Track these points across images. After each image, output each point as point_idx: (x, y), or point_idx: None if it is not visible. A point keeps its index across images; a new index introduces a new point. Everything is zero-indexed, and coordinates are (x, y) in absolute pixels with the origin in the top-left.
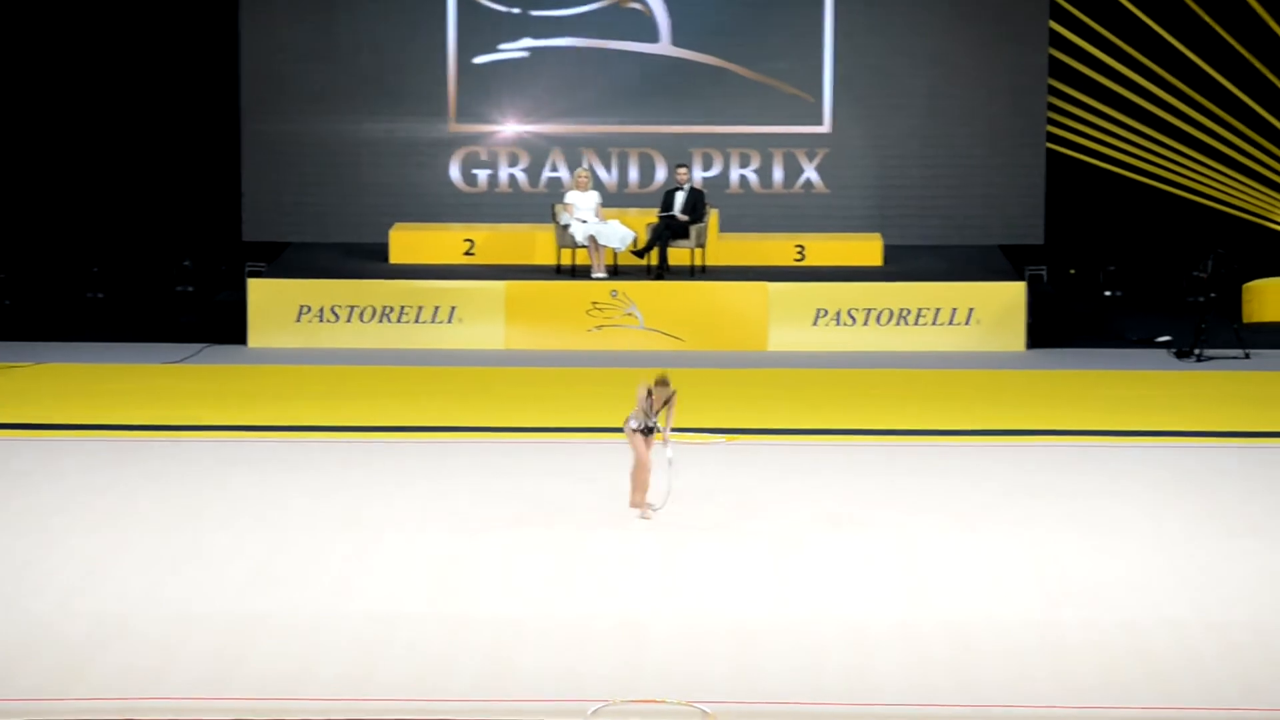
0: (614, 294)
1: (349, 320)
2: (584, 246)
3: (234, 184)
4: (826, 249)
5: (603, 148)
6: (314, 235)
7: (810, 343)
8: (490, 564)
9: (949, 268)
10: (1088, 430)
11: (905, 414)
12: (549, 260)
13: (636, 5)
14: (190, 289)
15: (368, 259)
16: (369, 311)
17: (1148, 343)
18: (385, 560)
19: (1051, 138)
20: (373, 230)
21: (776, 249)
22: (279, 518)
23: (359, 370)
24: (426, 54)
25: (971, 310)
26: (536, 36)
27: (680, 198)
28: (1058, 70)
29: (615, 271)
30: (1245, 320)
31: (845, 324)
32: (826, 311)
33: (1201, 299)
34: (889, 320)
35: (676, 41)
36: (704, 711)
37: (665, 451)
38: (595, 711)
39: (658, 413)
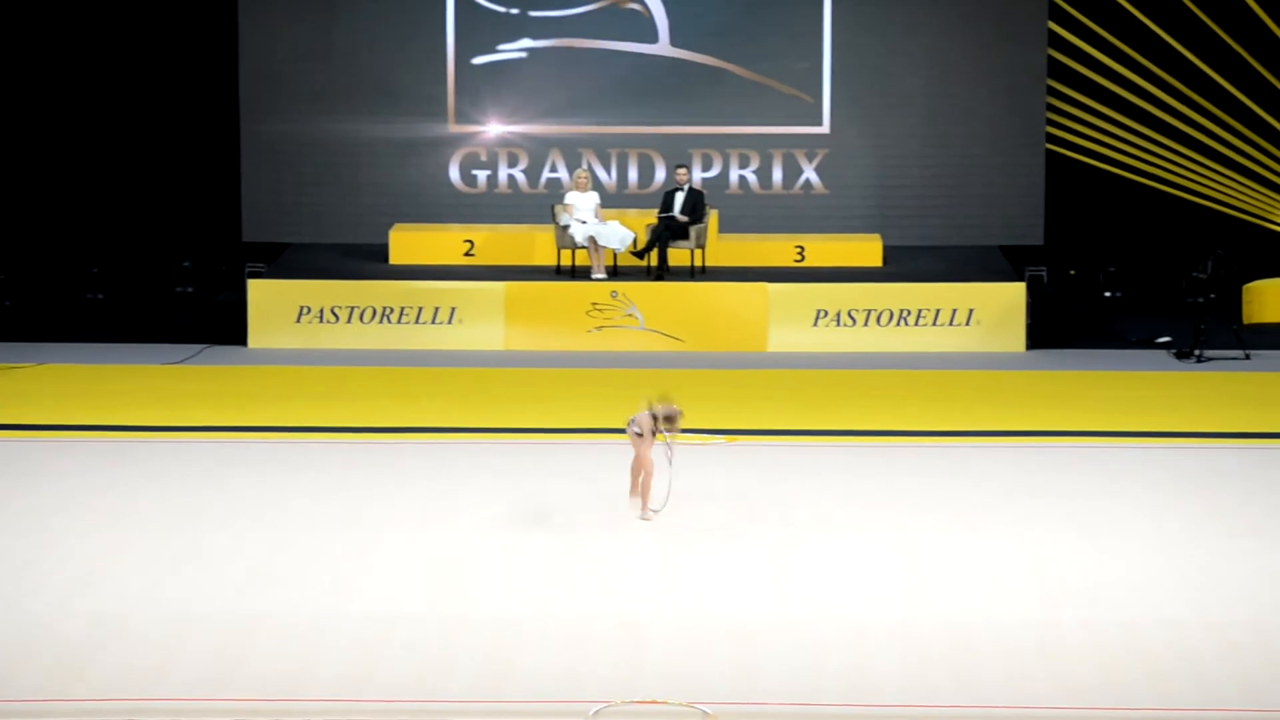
0: (614, 295)
1: (349, 321)
2: (584, 247)
3: (233, 184)
4: (826, 250)
5: (602, 148)
6: (314, 236)
7: (810, 343)
8: (490, 564)
9: (948, 268)
10: (1087, 431)
11: (905, 415)
12: (549, 261)
13: (635, 6)
14: (190, 290)
15: (367, 260)
16: (369, 312)
17: (1147, 343)
18: (385, 560)
19: (1051, 138)
20: (372, 231)
21: (776, 250)
22: (279, 518)
23: (359, 371)
24: (425, 54)
25: (971, 311)
26: (535, 37)
27: (680, 198)
28: (1057, 71)
29: (615, 272)
30: (1245, 321)
31: (845, 325)
32: (826, 312)
33: (1201, 300)
34: (889, 321)
35: (675, 42)
36: (704, 712)
37: (665, 452)
38: (596, 712)
39: (655, 432)
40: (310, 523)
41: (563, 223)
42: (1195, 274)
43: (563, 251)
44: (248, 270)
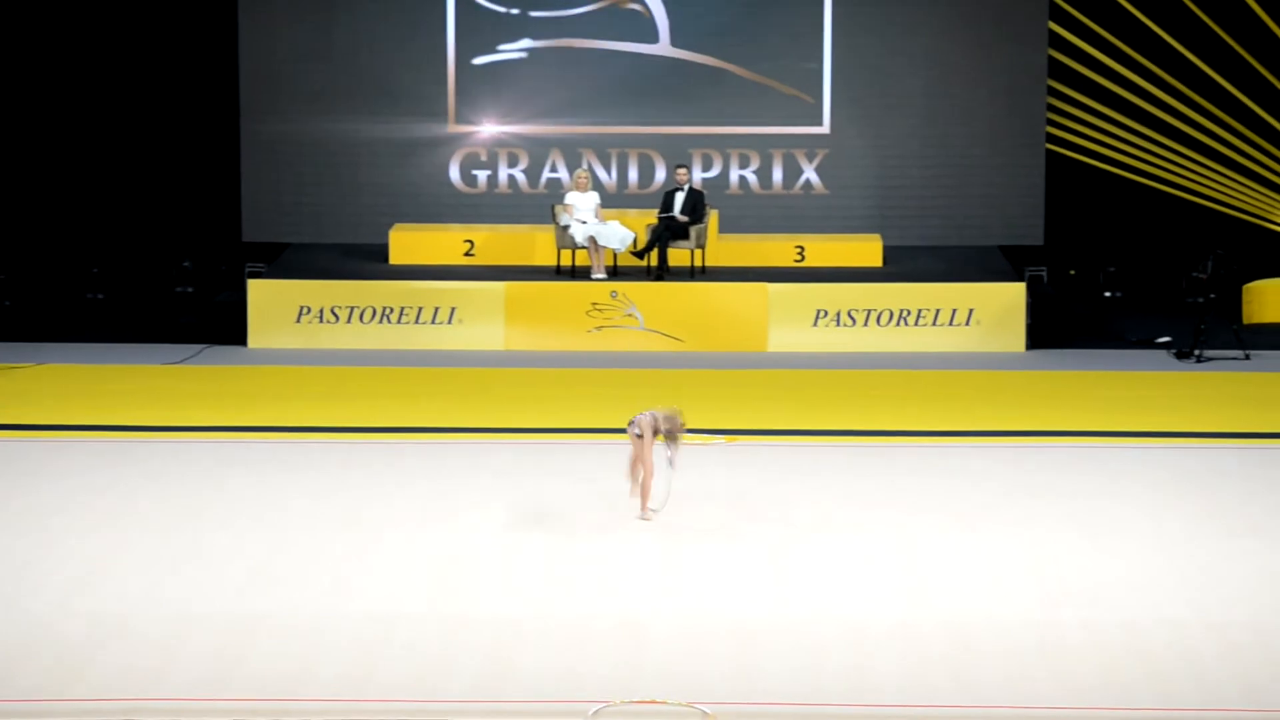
0: (614, 295)
1: (349, 321)
2: (584, 247)
3: (233, 184)
4: (826, 250)
5: (602, 148)
6: (313, 236)
7: (810, 343)
8: (490, 564)
9: (948, 268)
10: (1087, 431)
11: (905, 415)
12: (549, 261)
13: (635, 6)
14: (190, 290)
15: (367, 260)
16: (369, 312)
17: (1147, 343)
18: (385, 560)
19: (1051, 138)
20: (372, 231)
21: (776, 250)
22: (279, 518)
23: (359, 371)
24: (426, 54)
25: (971, 311)
26: (536, 37)
27: (680, 198)
28: (1057, 71)
29: (615, 272)
30: (1245, 321)
31: (845, 325)
32: (826, 312)
33: (1201, 300)
34: (889, 321)
35: (676, 42)
36: (704, 712)
37: (665, 452)
38: (596, 712)
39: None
40: (310, 523)
41: (563, 223)
42: (1195, 274)
43: (563, 251)
44: (248, 270)
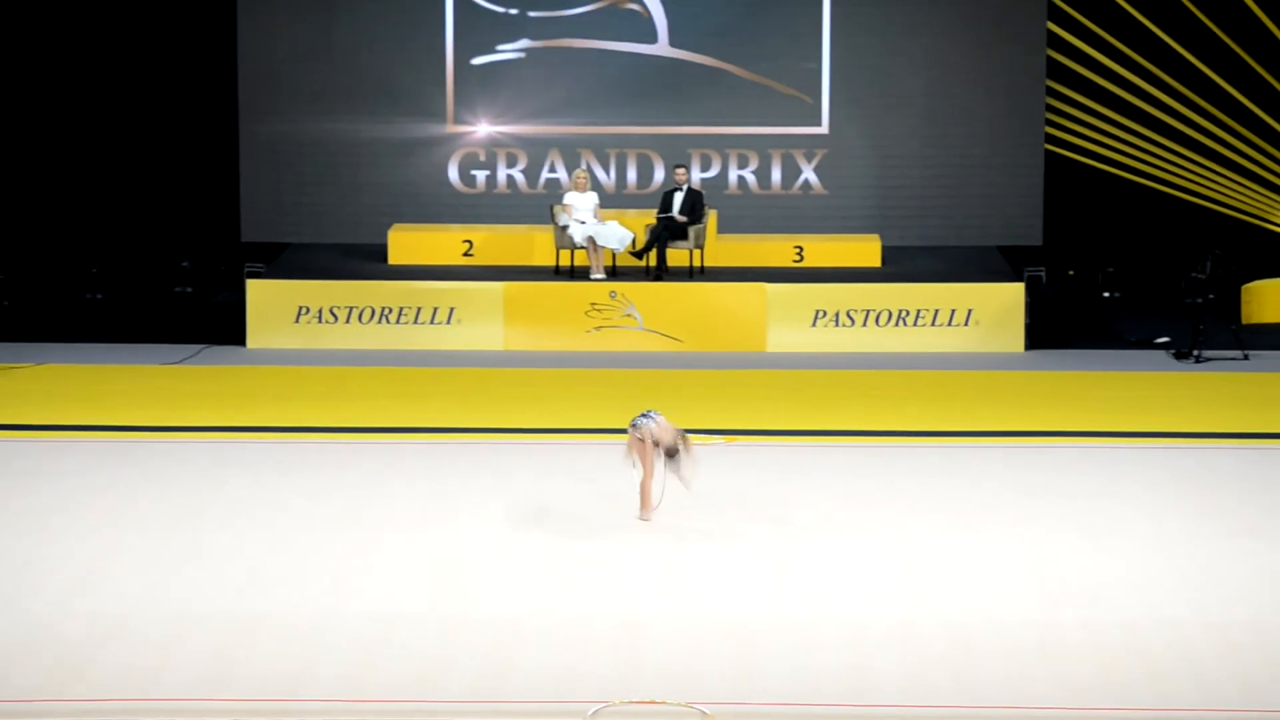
0: (613, 295)
1: (348, 321)
2: (582, 247)
3: (232, 185)
4: (825, 250)
5: (601, 149)
6: (313, 236)
7: (809, 344)
8: (489, 564)
9: (947, 269)
10: (1086, 431)
11: (904, 415)
12: (547, 261)
13: (634, 6)
14: (189, 290)
15: (366, 260)
16: (368, 312)
17: (1146, 344)
18: (384, 560)
19: (1050, 139)
20: (371, 231)
21: (775, 250)
22: (278, 518)
23: (358, 371)
24: (424, 55)
25: (970, 311)
26: (534, 37)
27: (678, 198)
28: (1056, 71)
29: (614, 272)
30: (1244, 321)
31: (844, 325)
32: (825, 312)
33: (1200, 300)
34: (888, 321)
35: (674, 42)
36: (702, 712)
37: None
38: (595, 712)
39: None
40: (310, 523)
41: (561, 223)
42: (1194, 274)
43: (561, 252)
44: (247, 270)
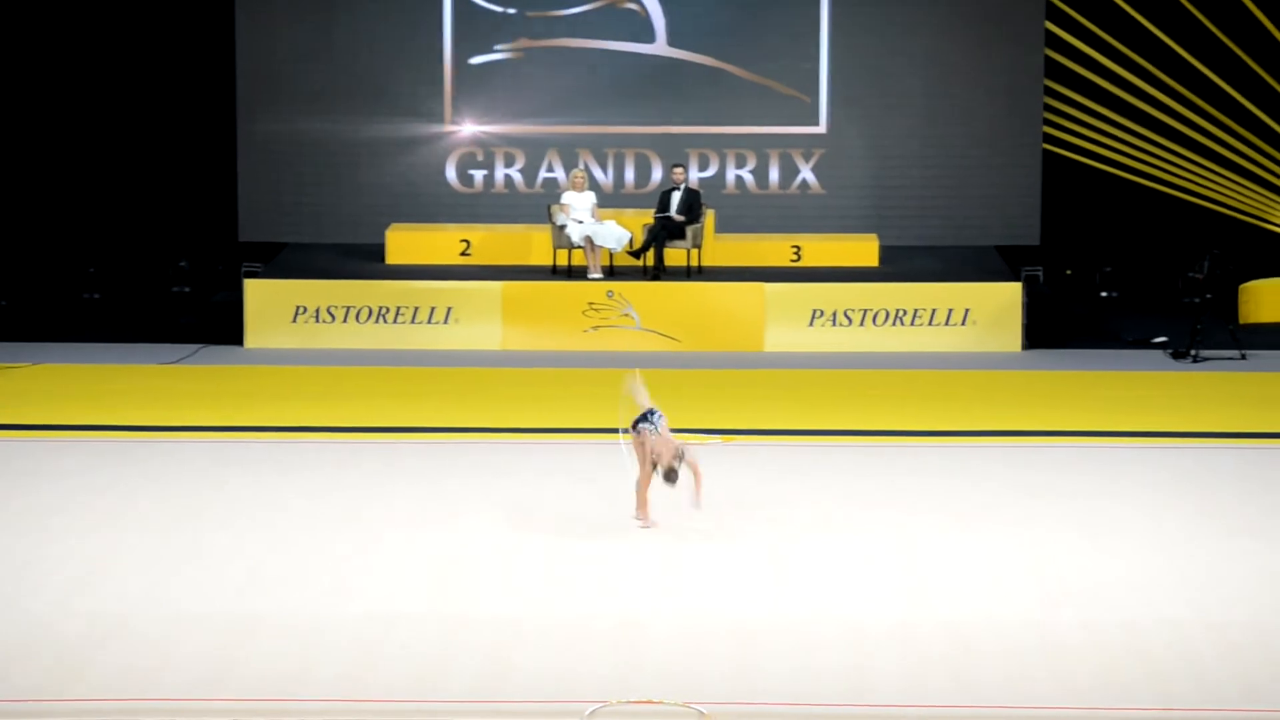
0: (610, 294)
1: (345, 321)
2: (580, 247)
3: (230, 184)
4: (823, 249)
5: (599, 148)
6: (310, 236)
7: (807, 343)
8: (489, 564)
9: (945, 268)
10: (1085, 431)
11: (902, 414)
12: (545, 261)
13: (632, 6)
14: (187, 289)
15: (364, 259)
16: (365, 312)
17: (1144, 343)
18: (383, 560)
19: (1048, 138)
20: (369, 231)
21: (773, 249)
22: (277, 518)
23: (356, 371)
24: (423, 54)
25: (968, 311)
26: (532, 37)
27: (676, 198)
28: (1054, 71)
29: (611, 272)
30: (1241, 321)
31: (842, 325)
32: (823, 312)
33: (1197, 300)
34: (885, 321)
35: (672, 42)
36: (700, 712)
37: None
38: (593, 712)
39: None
40: (309, 523)
41: (559, 222)
42: (1191, 274)
43: (559, 251)
44: (244, 270)
